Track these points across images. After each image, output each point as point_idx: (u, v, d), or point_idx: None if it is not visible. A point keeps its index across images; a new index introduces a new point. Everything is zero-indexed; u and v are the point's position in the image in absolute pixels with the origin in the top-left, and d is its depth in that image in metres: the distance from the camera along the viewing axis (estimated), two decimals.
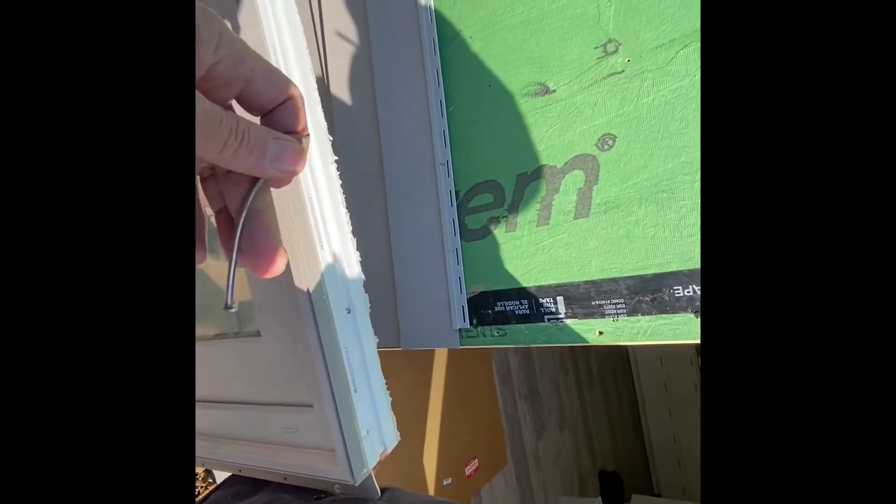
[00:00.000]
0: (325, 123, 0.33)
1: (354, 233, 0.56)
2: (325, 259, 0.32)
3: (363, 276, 0.35)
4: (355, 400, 0.31)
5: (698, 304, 0.36)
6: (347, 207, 0.34)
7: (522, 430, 1.91)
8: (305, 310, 0.32)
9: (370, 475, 0.33)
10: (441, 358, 1.57)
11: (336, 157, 0.34)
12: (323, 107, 0.32)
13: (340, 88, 0.56)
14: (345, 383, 0.31)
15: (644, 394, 3.54)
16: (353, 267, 0.34)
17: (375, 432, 0.33)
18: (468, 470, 1.57)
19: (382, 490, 0.35)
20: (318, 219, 0.32)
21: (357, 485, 0.33)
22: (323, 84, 0.57)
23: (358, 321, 0.33)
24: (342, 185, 0.34)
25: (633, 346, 3.53)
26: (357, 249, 0.34)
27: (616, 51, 0.39)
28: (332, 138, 0.33)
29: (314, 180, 0.32)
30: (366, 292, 0.35)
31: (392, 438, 0.35)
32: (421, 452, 1.39)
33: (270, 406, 0.41)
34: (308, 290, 0.31)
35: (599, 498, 2.08)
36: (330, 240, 0.32)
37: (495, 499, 1.69)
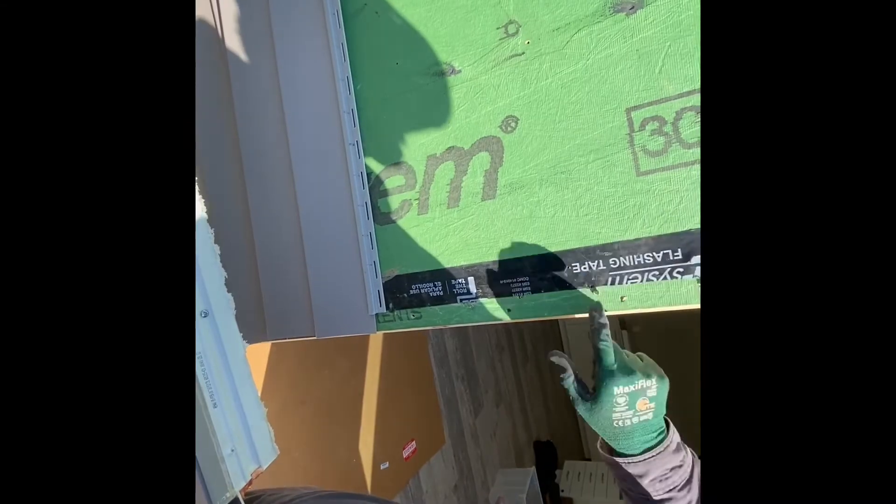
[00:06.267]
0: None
1: (261, 221, 0.53)
2: None
3: (224, 273, 0.32)
4: (214, 416, 0.28)
5: (594, 279, 0.38)
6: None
7: (460, 409, 1.96)
8: None
9: (236, 497, 0.30)
10: (376, 344, 1.56)
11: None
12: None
13: (239, 62, 0.52)
14: (200, 398, 0.28)
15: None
16: (208, 264, 0.31)
17: (245, 449, 0.30)
18: (406, 452, 1.59)
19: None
20: None
21: None
22: (221, 59, 0.52)
23: (218, 325, 0.30)
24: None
25: (562, 323, 3.72)
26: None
27: (517, 32, 0.39)
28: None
29: None
30: (229, 291, 0.32)
31: (268, 453, 0.32)
32: (357, 439, 1.38)
33: None
34: None
35: (534, 467, 2.19)
36: None
37: (434, 477, 1.73)
